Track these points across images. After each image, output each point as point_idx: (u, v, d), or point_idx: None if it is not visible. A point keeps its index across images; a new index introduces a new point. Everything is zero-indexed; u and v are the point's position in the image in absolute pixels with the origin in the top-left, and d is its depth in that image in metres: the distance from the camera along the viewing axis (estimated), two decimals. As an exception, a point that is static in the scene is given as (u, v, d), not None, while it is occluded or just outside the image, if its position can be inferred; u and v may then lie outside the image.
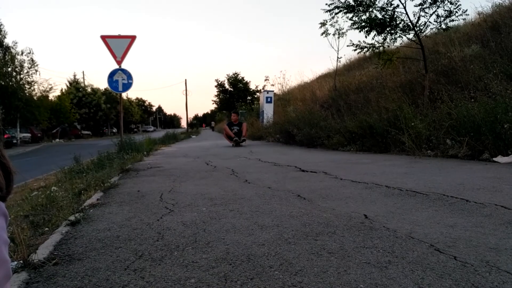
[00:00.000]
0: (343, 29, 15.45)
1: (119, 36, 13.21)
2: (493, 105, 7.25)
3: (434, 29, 11.48)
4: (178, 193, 4.86)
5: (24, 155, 25.27)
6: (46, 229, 3.63)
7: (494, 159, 6.79)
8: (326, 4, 11.83)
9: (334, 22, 14.12)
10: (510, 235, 2.63)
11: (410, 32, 11.46)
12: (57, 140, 40.70)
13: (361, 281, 1.95)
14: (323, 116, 14.04)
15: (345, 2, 11.38)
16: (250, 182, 5.65)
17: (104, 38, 13.02)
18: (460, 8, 10.69)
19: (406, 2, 10.91)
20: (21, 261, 2.48)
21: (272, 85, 27.20)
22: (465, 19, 11.75)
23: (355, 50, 11.77)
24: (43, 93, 37.46)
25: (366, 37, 11.71)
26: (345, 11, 11.61)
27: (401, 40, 12.05)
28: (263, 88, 29.04)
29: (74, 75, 48.19)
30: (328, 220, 3.19)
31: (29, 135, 36.69)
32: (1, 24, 34.21)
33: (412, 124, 8.55)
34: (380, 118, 9.92)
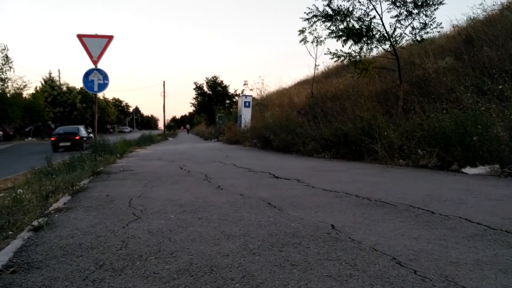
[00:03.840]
0: (321, 37, 15.59)
1: (96, 36, 13.01)
2: (463, 118, 7.43)
3: (409, 41, 11.72)
4: (148, 198, 4.80)
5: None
6: (10, 233, 3.52)
7: (463, 170, 6.95)
8: (305, 12, 11.95)
9: (313, 30, 14.27)
10: (471, 249, 2.68)
11: (386, 42, 11.66)
12: (30, 138, 39.70)
13: (321, 295, 1.95)
14: (299, 123, 14.13)
15: (323, 11, 11.51)
16: (222, 188, 5.63)
17: (80, 37, 12.80)
18: (435, 21, 10.95)
19: (383, 14, 11.13)
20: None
21: (251, 89, 27.28)
22: (439, 31, 12.04)
23: (332, 58, 11.91)
24: (17, 90, 36.55)
25: (343, 46, 11.86)
26: (323, 20, 11.74)
27: (377, 50, 12.24)
28: (241, 92, 29.06)
29: (50, 73, 47.24)
30: (295, 230, 3.20)
31: (0, 133, 35.70)
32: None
33: (385, 133, 8.69)
34: (354, 127, 10.05)
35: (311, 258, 2.51)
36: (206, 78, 39.79)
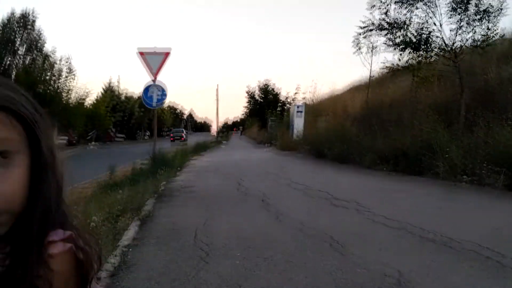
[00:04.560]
0: (376, 47, 15.22)
1: (155, 53, 13.52)
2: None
3: (470, 49, 11.23)
4: (211, 230, 4.96)
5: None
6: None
7: (534, 192, 6.61)
8: (359, 26, 11.80)
9: (367, 40, 14.01)
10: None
11: (446, 52, 11.25)
12: (93, 142, 41.82)
13: None
14: (355, 133, 13.94)
15: (379, 25, 11.30)
16: (282, 214, 5.71)
17: (141, 53, 13.37)
18: (497, 33, 10.45)
19: (443, 22, 10.76)
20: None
21: (304, 93, 27.13)
22: (503, 36, 11.43)
23: (388, 72, 11.66)
24: (80, 99, 38.65)
25: (400, 54, 11.56)
26: (378, 32, 11.55)
27: (437, 58, 11.81)
28: (293, 99, 29.07)
29: (109, 82, 49.66)
30: (363, 279, 3.21)
31: (66, 138, 37.84)
32: (41, 32, 35.48)
33: (447, 149, 8.41)
34: (413, 141, 9.79)
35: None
36: (258, 81, 40.27)
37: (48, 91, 34.17)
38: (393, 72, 11.49)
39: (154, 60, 13.35)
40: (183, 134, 45.02)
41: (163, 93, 13.62)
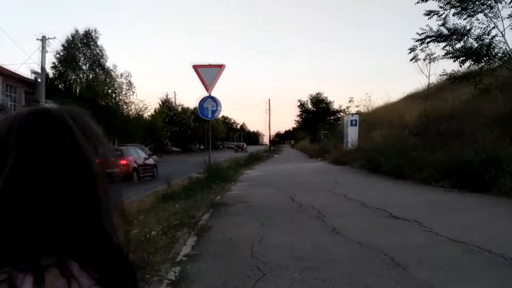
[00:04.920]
0: (434, 54, 14.69)
1: (209, 66, 13.85)
2: None
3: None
4: (267, 246, 4.96)
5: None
6: (147, 276, 3.93)
7: None
8: (417, 33, 11.45)
9: (425, 47, 13.53)
10: None
11: (510, 61, 10.66)
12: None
13: None
14: (412, 145, 13.45)
15: (437, 31, 10.92)
16: (338, 232, 5.61)
17: (195, 67, 13.75)
18: None
19: (505, 31, 10.22)
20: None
21: (357, 106, 26.67)
22: None
23: (448, 80, 11.20)
24: (138, 112, 40.32)
25: (461, 66, 11.08)
26: (437, 40, 11.14)
27: (500, 69, 11.20)
28: (346, 108, 28.62)
29: (166, 95, 51.45)
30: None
31: (125, 151, 39.52)
32: (103, 50, 37.42)
33: (514, 164, 7.91)
34: (477, 155, 9.29)
35: None
36: (310, 95, 40.14)
37: (110, 104, 35.82)
38: (454, 79, 10.99)
39: (208, 74, 13.68)
40: (243, 146, 58.01)
41: (217, 106, 13.91)
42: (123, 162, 15.25)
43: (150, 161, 19.57)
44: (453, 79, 11.13)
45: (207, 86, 13.70)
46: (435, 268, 3.95)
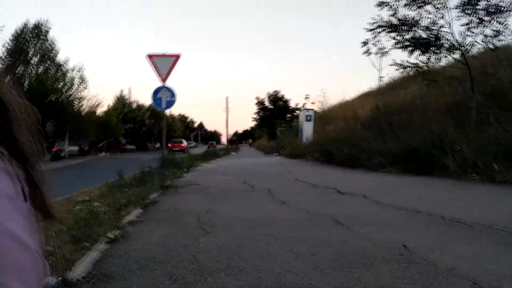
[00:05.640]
0: (385, 48, 15.11)
1: (164, 56, 13.58)
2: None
3: (481, 49, 11.09)
4: (215, 213, 4.88)
5: (72, 168, 26.30)
6: (87, 244, 3.74)
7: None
8: (368, 23, 11.72)
9: (377, 42, 13.87)
10: None
11: (456, 52, 11.13)
12: (103, 153, 42.08)
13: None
14: (364, 137, 13.79)
15: (388, 21, 11.23)
16: (286, 203, 5.60)
17: (150, 56, 13.43)
18: (508, 28, 10.30)
19: (452, 22, 10.65)
20: (60, 278, 2.56)
21: (312, 103, 27.05)
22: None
23: (397, 69, 11.57)
24: (91, 108, 39.07)
25: (409, 56, 11.45)
26: (388, 30, 11.45)
27: (447, 59, 11.69)
28: (303, 106, 29.00)
29: (121, 91, 50.15)
30: (366, 249, 3.10)
31: (76, 148, 38.18)
32: (54, 43, 36.05)
33: (457, 147, 8.25)
34: (423, 141, 9.63)
35: (384, 280, 2.42)
36: (267, 93, 40.38)
37: (61, 99, 34.54)
38: (403, 68, 11.33)
39: (164, 63, 13.39)
40: (214, 144, 47.16)
41: (172, 96, 13.65)
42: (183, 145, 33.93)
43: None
44: (402, 68, 11.45)
45: (162, 76, 13.44)
46: (377, 226, 4.01)
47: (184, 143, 42.97)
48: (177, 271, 2.67)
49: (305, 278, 2.47)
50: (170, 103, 13.63)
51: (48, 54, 35.83)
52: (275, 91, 39.79)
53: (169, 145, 36.71)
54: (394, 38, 11.40)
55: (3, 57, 32.66)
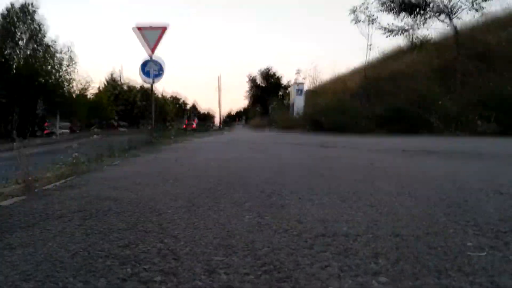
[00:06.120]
0: (373, 15, 15.05)
1: (151, 28, 13.38)
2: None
3: (466, 9, 11.07)
4: (195, 158, 4.93)
5: (65, 147, 26.24)
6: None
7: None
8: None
9: (365, 9, 13.81)
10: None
11: (442, 13, 11.13)
12: (95, 136, 41.84)
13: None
14: (352, 104, 13.85)
15: (374, -17, 11.18)
16: (264, 152, 5.66)
17: (136, 29, 13.25)
18: (494, -13, 10.28)
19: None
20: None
21: (304, 78, 26.99)
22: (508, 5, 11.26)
23: (384, 33, 11.56)
24: (82, 90, 38.70)
25: (395, 19, 11.44)
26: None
27: (432, 22, 11.67)
28: (294, 81, 28.93)
29: (112, 74, 49.68)
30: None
31: (68, 131, 38.02)
32: (41, 24, 35.50)
33: (440, 102, 8.32)
34: (408, 100, 9.69)
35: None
36: (259, 70, 40.20)
37: (50, 81, 34.15)
38: (389, 32, 11.33)
39: (151, 35, 13.20)
40: (194, 122, 51.70)
41: (160, 69, 13.52)
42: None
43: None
44: (388, 32, 11.44)
45: (150, 47, 13.29)
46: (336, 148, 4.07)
47: (194, 123, 49.12)
48: (141, 180, 2.72)
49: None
50: (158, 76, 13.52)
51: (35, 35, 35.33)
52: (267, 68, 39.68)
53: (184, 125, 44.01)
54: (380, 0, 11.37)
55: (-11, 38, 32.19)
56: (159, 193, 2.30)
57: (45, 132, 33.44)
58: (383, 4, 11.17)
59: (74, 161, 4.40)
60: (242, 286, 0.93)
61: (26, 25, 34.88)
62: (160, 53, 13.17)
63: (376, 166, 3.21)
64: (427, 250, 1.14)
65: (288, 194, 2.11)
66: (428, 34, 12.43)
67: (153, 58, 13.39)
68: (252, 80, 40.78)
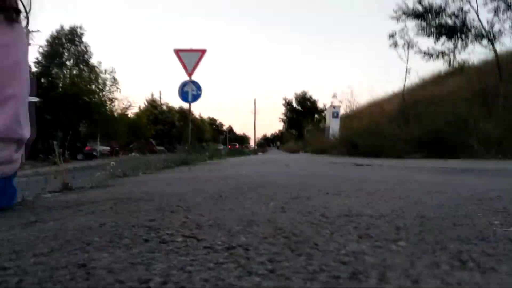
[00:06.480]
0: (412, 40, 14.91)
1: (191, 50, 13.82)
2: None
3: (509, 34, 10.80)
4: (226, 170, 4.98)
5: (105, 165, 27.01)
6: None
7: None
8: (393, 10, 11.63)
9: (404, 34, 13.73)
10: None
11: (484, 38, 10.88)
12: (134, 154, 42.90)
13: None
14: (389, 127, 13.61)
15: (413, 8, 11.11)
16: (288, 165, 5.65)
17: (176, 51, 13.67)
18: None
19: (479, 8, 10.43)
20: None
21: (340, 101, 26.89)
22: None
23: (423, 57, 11.40)
24: (123, 110, 40.07)
25: (435, 43, 11.28)
26: (413, 17, 11.32)
27: (473, 46, 11.44)
28: (330, 104, 28.85)
29: (152, 95, 51.34)
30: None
31: (108, 148, 39.24)
32: (88, 46, 37.30)
33: (481, 125, 8.06)
34: (447, 123, 9.44)
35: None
36: (295, 93, 40.43)
37: (94, 99, 35.55)
38: (429, 56, 11.16)
39: (190, 57, 13.63)
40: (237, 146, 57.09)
41: (198, 90, 13.85)
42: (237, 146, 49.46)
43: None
44: (427, 56, 11.28)
45: (188, 70, 13.69)
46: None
47: (237, 145, 55.85)
48: (176, 182, 2.77)
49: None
50: (196, 97, 13.83)
51: (82, 57, 37.15)
52: (302, 92, 39.91)
53: (229, 146, 45.56)
54: (419, 24, 11.26)
55: (39, 60, 34.01)
56: (189, 189, 2.34)
57: (87, 148, 34.40)
58: (422, 28, 11.04)
59: (111, 170, 4.56)
60: (259, 245, 0.94)
61: (74, 47, 36.81)
62: (197, 77, 13.47)
63: (411, 179, 3.14)
64: (451, 226, 1.11)
65: (315, 192, 2.10)
66: (469, 58, 12.13)
67: (191, 79, 13.77)
68: (288, 104, 41.02)
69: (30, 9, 18.39)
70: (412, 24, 11.67)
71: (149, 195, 2.10)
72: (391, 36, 14.72)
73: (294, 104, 40.54)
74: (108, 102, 37.60)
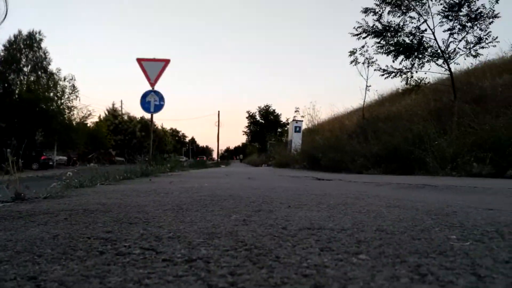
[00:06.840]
0: (372, 58, 15.41)
1: (154, 60, 13.69)
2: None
3: (464, 55, 11.34)
4: (187, 182, 4.92)
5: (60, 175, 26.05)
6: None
7: (521, 176, 6.52)
8: (354, 27, 11.96)
9: (364, 51, 14.16)
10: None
11: (439, 58, 11.38)
12: (92, 164, 41.72)
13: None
14: (349, 142, 13.92)
15: (373, 26, 11.49)
16: (252, 179, 5.65)
17: (139, 60, 13.51)
18: (490, 35, 10.58)
19: (435, 28, 10.92)
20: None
21: (302, 116, 27.32)
22: (503, 55, 11.59)
23: (382, 75, 11.77)
24: (82, 119, 38.97)
25: (393, 61, 11.70)
26: (372, 35, 11.70)
27: (429, 66, 11.94)
28: (293, 118, 29.23)
29: (113, 104, 50.29)
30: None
31: (65, 158, 37.95)
32: (47, 52, 36.25)
33: (436, 142, 8.37)
34: (404, 139, 9.76)
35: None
36: (258, 107, 40.72)
37: (52, 107, 34.44)
38: (387, 74, 11.54)
39: (153, 67, 13.49)
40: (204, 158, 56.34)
41: (161, 100, 13.70)
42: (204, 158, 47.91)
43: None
44: (387, 74, 11.66)
45: (151, 80, 13.53)
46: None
47: (204, 157, 55.66)
48: (136, 193, 2.69)
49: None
50: (159, 107, 13.65)
51: (40, 63, 36.03)
52: (266, 105, 40.23)
53: (198, 158, 50.98)
54: (378, 43, 11.65)
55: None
56: (149, 201, 2.29)
57: (42, 158, 33.13)
58: (381, 47, 11.42)
59: (67, 181, 4.39)
60: (220, 258, 0.92)
61: (32, 52, 35.68)
62: (161, 88, 13.33)
63: (371, 194, 3.21)
64: (410, 240, 1.13)
65: (277, 205, 2.09)
66: (425, 77, 12.65)
67: (154, 89, 13.60)
68: (251, 116, 41.23)
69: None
70: (372, 42, 12.08)
71: (107, 206, 2.03)
72: (352, 53, 15.15)
73: (258, 117, 40.87)
74: (67, 110, 36.50)
